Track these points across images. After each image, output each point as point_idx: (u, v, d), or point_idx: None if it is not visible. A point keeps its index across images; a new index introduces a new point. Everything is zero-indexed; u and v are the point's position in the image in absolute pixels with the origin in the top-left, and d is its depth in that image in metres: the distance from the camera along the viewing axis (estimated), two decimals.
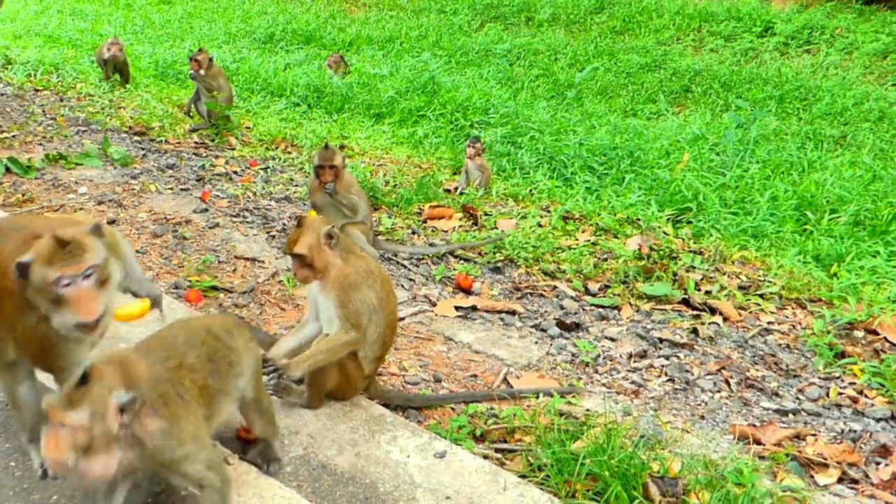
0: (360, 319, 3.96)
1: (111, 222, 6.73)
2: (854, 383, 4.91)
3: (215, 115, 10.09)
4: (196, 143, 9.77)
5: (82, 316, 3.08)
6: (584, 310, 5.80)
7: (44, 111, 10.37)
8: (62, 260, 3.05)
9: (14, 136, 9.12)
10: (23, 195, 7.21)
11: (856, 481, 3.97)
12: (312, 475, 3.60)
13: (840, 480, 3.96)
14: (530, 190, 8.63)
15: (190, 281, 5.71)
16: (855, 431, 4.43)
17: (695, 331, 5.49)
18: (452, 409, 4.35)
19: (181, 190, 7.87)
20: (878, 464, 4.13)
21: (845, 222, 7.68)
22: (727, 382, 4.89)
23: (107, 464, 2.65)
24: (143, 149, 9.20)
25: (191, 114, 10.68)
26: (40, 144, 8.95)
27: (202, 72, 9.97)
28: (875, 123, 11.99)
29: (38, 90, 11.70)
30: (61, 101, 11.12)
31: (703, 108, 13.23)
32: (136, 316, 3.90)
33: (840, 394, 4.82)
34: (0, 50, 13.77)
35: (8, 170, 7.82)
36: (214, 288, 5.68)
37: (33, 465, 3.55)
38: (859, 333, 5.55)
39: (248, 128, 10.64)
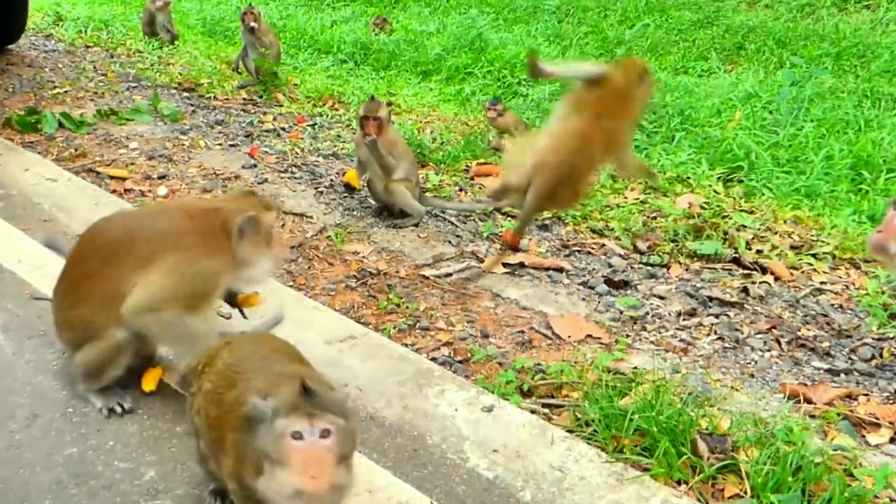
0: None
1: (161, 177, 6.82)
2: None
3: (263, 72, 10.11)
4: (244, 99, 9.81)
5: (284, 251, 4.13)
6: (632, 268, 5.75)
7: (94, 67, 10.47)
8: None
9: (66, 91, 9.23)
10: (75, 150, 7.33)
11: None
12: (361, 426, 3.62)
13: (892, 440, 3.91)
14: None
15: None
16: None
17: (745, 290, 5.42)
18: (500, 364, 4.36)
19: (230, 146, 7.93)
20: None
21: None
22: (777, 342, 4.83)
23: None
24: (191, 105, 9.27)
25: (239, 70, 10.73)
26: (92, 100, 9.04)
27: (255, 24, 10.03)
28: None
29: (88, 47, 11.81)
30: (111, 57, 11.22)
31: (757, 65, 12.93)
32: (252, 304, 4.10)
33: (894, 354, 4.73)
34: (51, 7, 13.89)
35: (61, 125, 7.92)
36: None
37: (95, 406, 3.64)
38: None
39: (296, 84, 10.63)
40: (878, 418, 4.04)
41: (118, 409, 3.67)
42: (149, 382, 3.84)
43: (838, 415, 4.02)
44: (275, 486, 2.42)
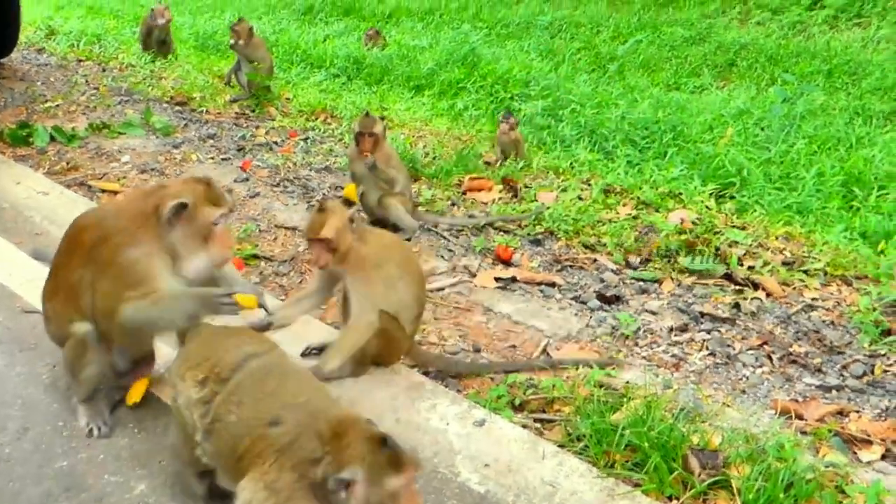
0: (388, 295, 4.07)
1: None
2: None
3: (255, 86, 10.17)
4: (236, 113, 9.85)
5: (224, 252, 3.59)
6: (624, 283, 5.76)
7: (87, 81, 10.51)
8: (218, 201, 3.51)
9: (58, 105, 9.26)
10: (67, 163, 7.35)
11: None
12: None
13: (884, 457, 3.91)
14: (571, 163, 8.55)
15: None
16: None
17: (737, 305, 5.42)
18: (491, 378, 4.36)
19: (222, 159, 7.96)
20: None
21: (894, 199, 7.52)
22: (769, 357, 4.83)
23: None
24: (184, 119, 9.30)
25: (231, 84, 10.78)
26: (84, 114, 9.07)
27: (242, 42, 10.09)
28: None
29: (80, 60, 11.88)
30: (103, 70, 11.27)
31: (749, 82, 13.01)
32: (249, 306, 3.81)
33: (885, 371, 4.74)
34: (43, 21, 13.92)
35: (53, 138, 7.95)
36: (255, 256, 5.76)
37: (80, 423, 3.61)
38: None
39: (288, 99, 10.68)
40: (869, 435, 4.04)
41: (95, 432, 3.60)
42: (133, 395, 3.79)
43: (830, 431, 4.02)
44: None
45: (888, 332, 5.14)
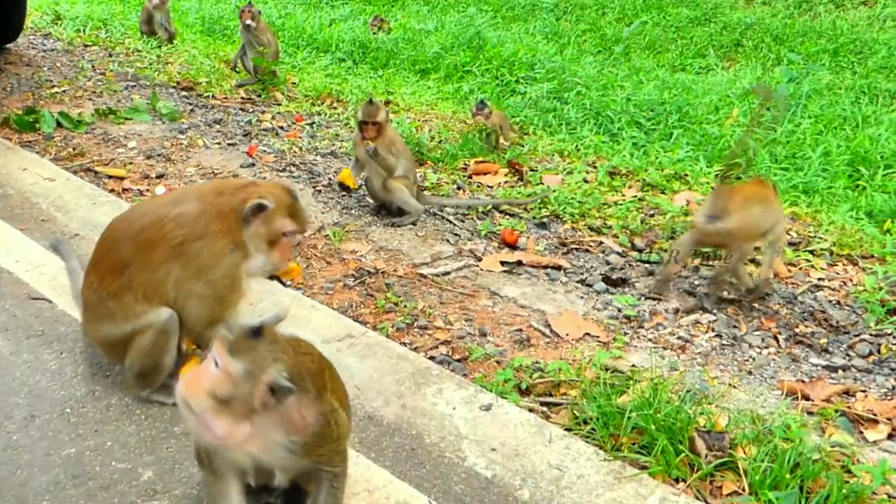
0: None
1: (160, 176, 6.81)
2: None
3: (262, 71, 10.14)
4: (242, 98, 9.83)
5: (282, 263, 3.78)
6: (630, 265, 5.76)
7: (93, 66, 10.48)
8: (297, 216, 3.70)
9: (65, 91, 9.23)
10: (73, 149, 7.32)
11: None
12: (359, 426, 3.64)
13: (890, 437, 3.91)
14: (576, 146, 8.53)
15: None
16: None
17: (747, 288, 5.41)
18: (498, 362, 4.36)
19: (228, 144, 7.93)
20: None
21: None
22: (775, 338, 4.83)
23: (230, 431, 2.47)
24: (190, 104, 9.28)
25: (237, 69, 10.75)
26: (90, 99, 9.05)
27: (254, 24, 10.05)
28: None
29: (87, 46, 11.81)
30: (110, 56, 11.22)
31: (754, 62, 12.95)
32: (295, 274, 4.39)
33: (892, 350, 4.74)
34: (49, 6, 13.88)
35: (59, 124, 7.93)
36: None
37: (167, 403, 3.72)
38: None
39: (294, 83, 10.65)
40: (875, 414, 4.04)
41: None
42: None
43: (836, 411, 4.02)
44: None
45: (894, 312, 5.14)
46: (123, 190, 6.50)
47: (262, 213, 3.58)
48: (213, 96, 9.69)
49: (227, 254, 3.58)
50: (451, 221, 6.37)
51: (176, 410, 3.60)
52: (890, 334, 4.94)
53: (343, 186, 6.61)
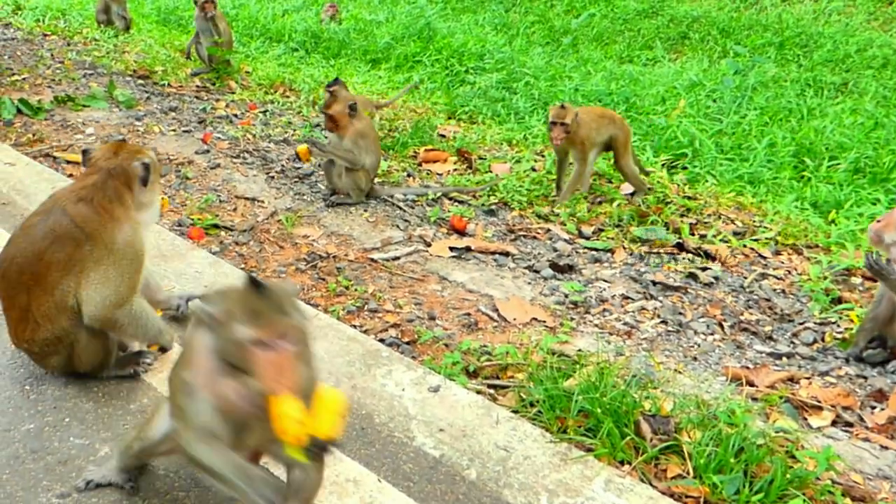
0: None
1: None
2: (850, 328, 4.87)
3: (216, 60, 10.26)
4: (197, 86, 9.94)
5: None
6: (577, 252, 5.76)
7: (52, 55, 10.64)
8: None
9: (24, 78, 9.36)
10: (33, 135, 7.40)
11: (850, 424, 3.95)
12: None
13: (834, 423, 3.94)
14: (524, 135, 8.56)
15: (192, 219, 5.84)
16: (850, 376, 4.40)
17: (692, 275, 5.45)
18: (446, 345, 4.34)
19: (183, 132, 8.01)
20: (873, 408, 4.10)
21: (845, 169, 7.59)
22: (720, 325, 4.86)
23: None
24: (146, 92, 9.39)
25: (191, 57, 10.87)
26: (49, 87, 9.17)
27: (216, 13, 10.13)
28: (878, 70, 11.79)
29: (46, 35, 12.07)
30: (68, 45, 11.41)
31: (701, 54, 13.05)
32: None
33: (836, 338, 4.79)
34: None
35: (19, 111, 8.02)
36: (216, 226, 5.79)
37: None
38: (857, 280, 5.53)
39: (248, 72, 10.79)
40: (820, 401, 4.07)
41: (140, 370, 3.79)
42: None
43: (780, 398, 4.05)
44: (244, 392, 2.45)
45: (839, 301, 5.19)
46: None
47: (151, 166, 3.72)
48: (168, 84, 9.79)
49: (131, 229, 3.60)
50: (401, 208, 6.35)
51: (132, 386, 3.69)
52: (834, 323, 4.99)
53: (298, 157, 6.67)
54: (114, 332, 3.63)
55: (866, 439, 3.81)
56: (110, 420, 3.47)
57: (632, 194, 6.73)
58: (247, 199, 6.39)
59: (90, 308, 3.50)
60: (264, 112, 8.94)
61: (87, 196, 3.55)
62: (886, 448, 3.74)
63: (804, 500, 3.13)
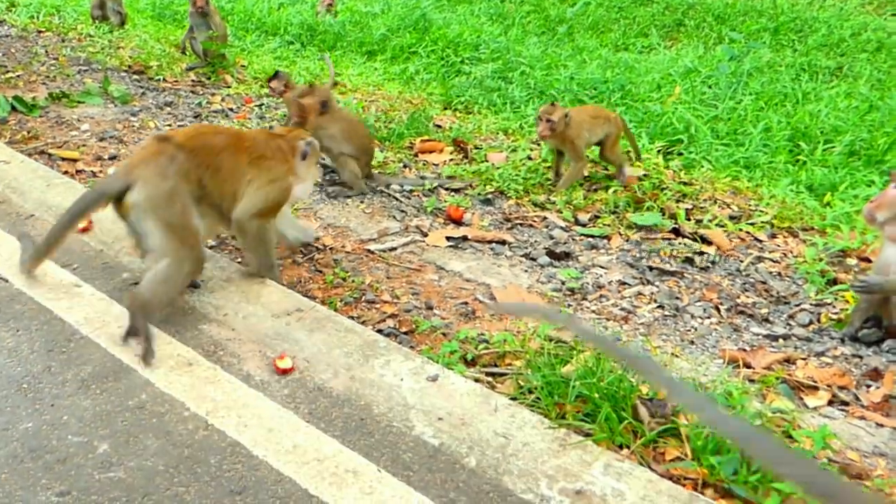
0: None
1: (112, 158, 6.80)
2: (845, 309, 4.90)
3: (211, 54, 10.23)
4: (193, 81, 9.88)
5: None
6: (573, 240, 5.78)
7: (46, 52, 10.51)
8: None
9: (19, 75, 9.25)
10: (28, 132, 7.32)
11: (846, 403, 3.98)
12: (309, 397, 3.64)
13: (830, 403, 3.97)
14: (520, 124, 8.57)
15: None
16: (846, 356, 4.44)
17: (688, 259, 5.47)
18: (444, 334, 4.36)
19: (179, 126, 7.93)
20: (868, 387, 4.14)
21: (840, 152, 7.63)
22: (717, 309, 4.89)
23: None
24: (141, 87, 9.32)
25: (186, 52, 10.84)
26: (43, 84, 9.07)
27: (208, 7, 10.17)
28: (872, 54, 11.84)
29: (40, 31, 11.91)
30: (63, 41, 11.28)
31: (696, 41, 13.07)
32: None
33: (832, 319, 4.82)
34: None
35: (13, 108, 7.93)
36: None
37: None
38: (852, 261, 5.57)
39: (244, 66, 10.74)
40: (815, 381, 4.11)
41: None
42: None
43: (777, 379, 4.08)
44: None
45: (834, 282, 5.23)
46: (77, 172, 6.45)
47: (312, 148, 4.83)
48: (163, 79, 9.74)
49: (285, 176, 4.64)
50: (397, 199, 6.36)
51: (130, 382, 3.67)
52: (829, 304, 5.02)
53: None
54: (242, 240, 4.62)
55: (862, 417, 3.84)
56: (108, 418, 3.47)
57: (618, 174, 6.83)
58: None
59: (239, 209, 4.46)
60: (260, 106, 8.92)
61: (277, 141, 4.72)
62: (882, 426, 3.77)
63: None
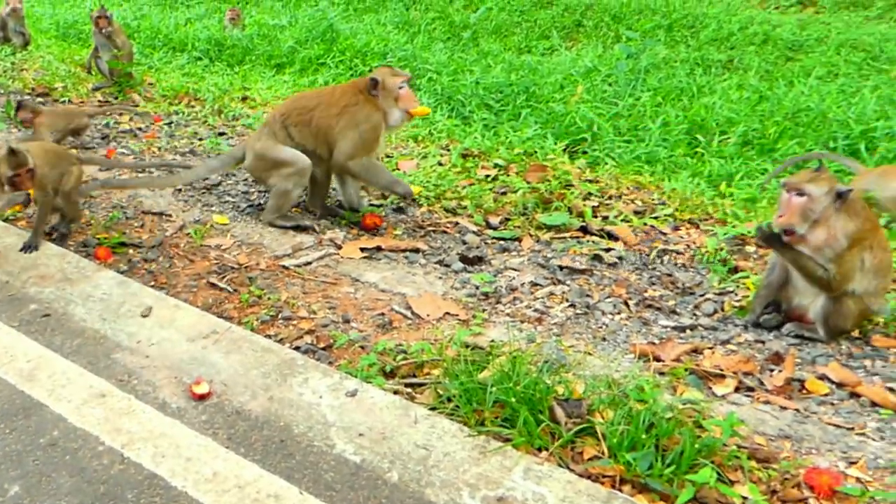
0: None
1: None
2: (747, 296, 5.08)
3: (117, 73, 10.13)
4: (100, 101, 9.81)
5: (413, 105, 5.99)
6: (486, 243, 5.88)
7: None
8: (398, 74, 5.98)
9: None
10: None
11: (751, 389, 4.12)
12: (227, 422, 3.64)
13: (737, 389, 4.11)
14: (430, 130, 8.64)
15: (98, 238, 5.76)
16: (749, 342, 4.60)
17: (597, 257, 5.61)
18: (362, 347, 4.40)
19: (86, 149, 7.88)
20: (771, 371, 4.30)
21: (734, 143, 7.89)
22: (626, 304, 5.02)
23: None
24: None
25: (91, 71, 10.71)
26: None
27: (112, 28, 10.01)
28: (760, 46, 12.26)
29: None
30: None
31: (595, 41, 13.33)
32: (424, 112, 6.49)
33: (734, 307, 4.99)
34: None
35: None
36: (123, 244, 5.72)
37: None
38: (750, 248, 5.75)
39: (151, 84, 10.65)
40: (722, 369, 4.25)
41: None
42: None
43: (686, 370, 4.21)
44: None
45: (735, 270, 5.42)
46: None
47: (377, 85, 5.84)
48: (70, 101, 9.64)
49: (372, 114, 5.84)
50: (311, 212, 6.38)
51: (41, 419, 3.59)
52: (732, 291, 5.20)
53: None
54: (353, 179, 6.17)
55: (767, 402, 4.00)
56: (19, 458, 3.41)
57: None
58: (154, 214, 6.33)
59: (335, 155, 5.90)
60: (169, 124, 8.88)
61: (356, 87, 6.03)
62: (785, 409, 3.93)
63: (713, 468, 3.27)
